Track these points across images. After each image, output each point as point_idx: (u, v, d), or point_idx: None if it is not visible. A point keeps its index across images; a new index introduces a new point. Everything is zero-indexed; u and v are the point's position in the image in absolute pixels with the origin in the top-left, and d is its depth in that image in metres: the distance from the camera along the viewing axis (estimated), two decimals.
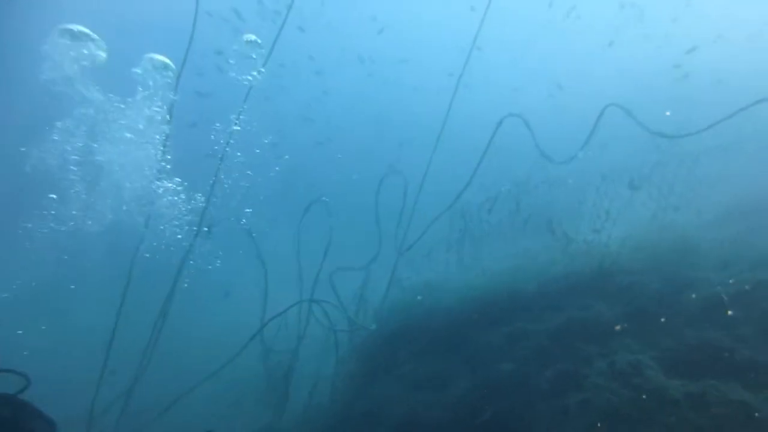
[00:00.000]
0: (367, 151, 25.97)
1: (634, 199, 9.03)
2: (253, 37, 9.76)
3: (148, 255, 8.37)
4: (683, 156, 8.49)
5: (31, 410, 4.08)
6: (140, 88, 8.47)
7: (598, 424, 5.39)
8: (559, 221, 9.28)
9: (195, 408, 9.27)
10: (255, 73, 9.32)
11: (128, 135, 8.70)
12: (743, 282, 6.33)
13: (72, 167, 9.03)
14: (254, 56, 9.59)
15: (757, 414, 4.83)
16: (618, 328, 6.55)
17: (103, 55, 8.20)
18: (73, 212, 9.54)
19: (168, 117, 8.24)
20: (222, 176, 8.59)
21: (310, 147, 25.72)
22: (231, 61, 9.80)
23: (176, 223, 9.26)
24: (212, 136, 9.18)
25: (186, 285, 8.57)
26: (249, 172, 10.86)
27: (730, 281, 6.45)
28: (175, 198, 9.23)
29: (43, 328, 13.77)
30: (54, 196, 9.53)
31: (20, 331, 12.05)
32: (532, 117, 8.99)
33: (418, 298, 8.73)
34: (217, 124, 9.12)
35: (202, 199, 8.67)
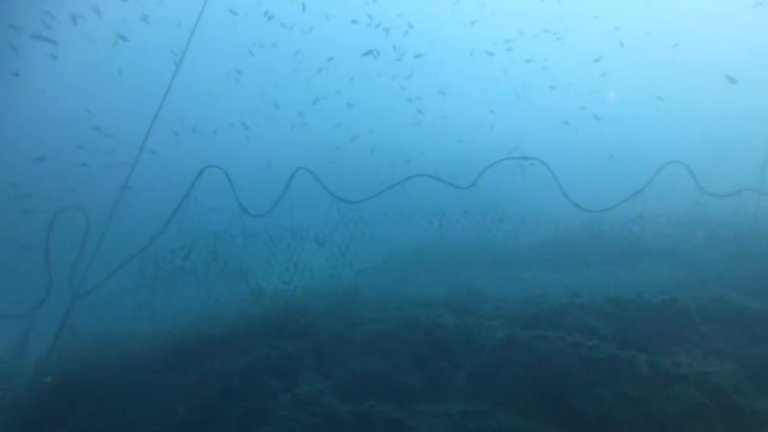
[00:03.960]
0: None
1: (318, 254, 10.29)
2: None
3: None
4: (358, 219, 10.18)
5: None
6: None
7: None
8: (253, 271, 9.87)
9: None
10: None
11: None
12: (396, 319, 7.87)
13: None
14: None
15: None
16: None
17: None
18: None
19: None
20: None
21: None
22: None
23: None
24: None
25: None
26: None
27: (388, 318, 7.97)
28: None
29: None
30: None
31: None
32: (233, 170, 9.54)
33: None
34: None
35: None
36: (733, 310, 7.26)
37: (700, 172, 11.37)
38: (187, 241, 9.94)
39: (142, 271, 9.34)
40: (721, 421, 4.77)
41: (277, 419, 6.24)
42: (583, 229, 12.14)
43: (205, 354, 7.63)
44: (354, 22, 25.30)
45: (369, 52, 22.38)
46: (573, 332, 6.83)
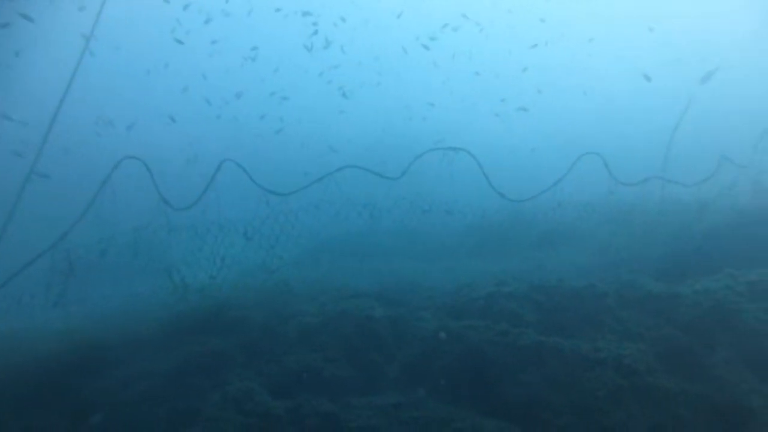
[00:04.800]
0: None
1: (247, 248, 10.03)
2: None
3: None
4: (287, 212, 10.00)
5: None
6: None
7: None
8: (178, 266, 9.48)
9: None
10: None
11: None
12: (328, 312, 7.84)
13: None
14: None
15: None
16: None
17: None
18: None
19: None
20: None
21: None
22: None
23: None
24: None
25: None
26: None
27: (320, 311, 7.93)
28: None
29: None
30: None
31: None
32: (156, 162, 9.10)
33: None
34: None
35: None
36: (644, 294, 7.80)
37: (612, 162, 12.03)
38: (104, 235, 9.40)
39: (53, 267, 8.72)
40: (635, 401, 5.12)
41: (206, 420, 6.05)
42: (508, 218, 12.58)
43: (127, 354, 7.27)
44: (278, 10, 24.76)
45: (315, 33, 22.06)
46: (500, 320, 7.08)
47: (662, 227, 12.11)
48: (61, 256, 8.77)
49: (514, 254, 11.67)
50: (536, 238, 12.45)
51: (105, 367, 7.06)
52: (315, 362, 6.97)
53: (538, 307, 7.56)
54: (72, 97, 10.05)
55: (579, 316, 7.19)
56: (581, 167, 11.66)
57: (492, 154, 12.91)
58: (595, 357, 5.78)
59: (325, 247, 11.42)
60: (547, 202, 11.81)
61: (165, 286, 9.12)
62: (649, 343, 6.28)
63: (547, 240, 12.38)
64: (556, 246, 11.88)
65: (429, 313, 7.78)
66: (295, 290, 9.14)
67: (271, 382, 6.67)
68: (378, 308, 8.01)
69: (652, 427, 4.82)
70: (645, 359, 5.78)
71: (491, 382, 5.90)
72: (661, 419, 4.82)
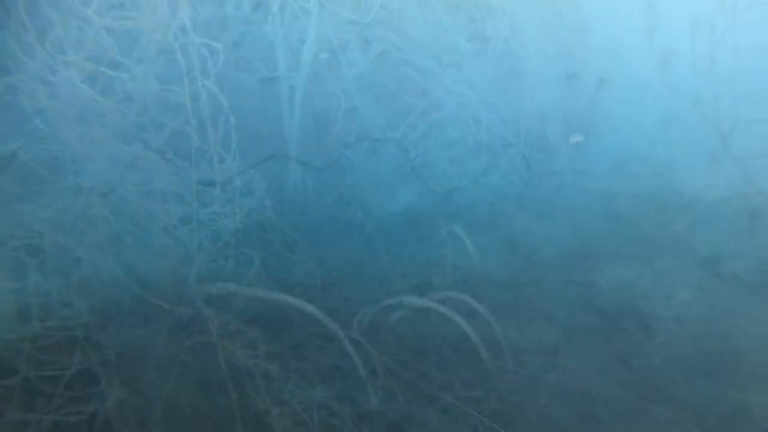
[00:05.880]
0: None
1: (169, 238, 9.59)
2: None
3: None
4: (213, 202, 9.65)
5: None
6: None
7: None
8: (87, 259, 8.90)
9: None
10: None
11: None
12: (259, 305, 7.70)
13: None
14: None
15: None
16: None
17: None
18: None
19: None
20: None
21: None
22: None
23: None
24: None
25: None
26: None
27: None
28: None
29: None
30: None
31: None
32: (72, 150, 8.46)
33: None
34: None
35: None
36: (562, 282, 8.24)
37: (533, 155, 12.51)
38: None
39: None
40: (558, 387, 5.46)
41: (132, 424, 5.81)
42: (434, 209, 12.80)
43: (24, 359, 6.75)
44: None
45: (243, 15, 21.32)
46: (429, 311, 7.26)
47: (575, 216, 12.81)
48: None
49: (440, 245, 11.92)
50: (461, 228, 12.78)
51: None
52: (247, 359, 6.85)
53: (464, 296, 7.81)
54: None
55: (504, 304, 7.50)
56: (507, 159, 12.07)
57: (420, 146, 13.10)
58: (523, 346, 6.08)
59: (253, 239, 11.14)
60: (470, 193, 12.12)
61: (72, 281, 8.53)
62: (570, 330, 6.68)
63: (470, 230, 12.73)
64: (480, 236, 12.26)
65: (360, 305, 7.82)
66: (222, 284, 8.86)
67: (201, 380, 6.49)
68: (309, 302, 7.94)
69: (574, 412, 5.15)
70: (566, 346, 6.15)
71: (422, 372, 6.05)
72: (583, 403, 5.17)
